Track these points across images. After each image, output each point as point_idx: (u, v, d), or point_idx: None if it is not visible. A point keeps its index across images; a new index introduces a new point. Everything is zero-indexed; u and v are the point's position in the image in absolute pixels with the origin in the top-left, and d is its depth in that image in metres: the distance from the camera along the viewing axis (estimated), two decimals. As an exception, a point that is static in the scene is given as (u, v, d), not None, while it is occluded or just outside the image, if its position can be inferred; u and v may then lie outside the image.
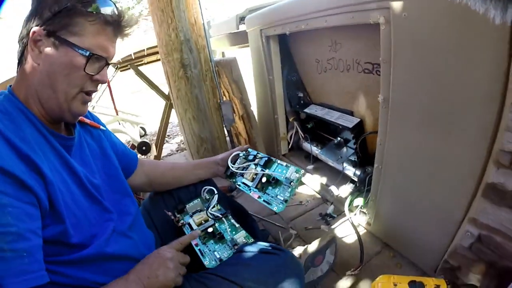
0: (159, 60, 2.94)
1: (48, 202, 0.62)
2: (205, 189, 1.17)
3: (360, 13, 1.12)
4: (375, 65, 1.37)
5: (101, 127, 0.95)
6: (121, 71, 2.95)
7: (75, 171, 0.73)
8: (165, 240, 1.07)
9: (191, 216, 1.08)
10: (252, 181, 1.07)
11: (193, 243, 0.95)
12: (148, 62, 2.88)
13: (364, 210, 1.44)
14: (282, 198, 0.98)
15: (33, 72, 0.67)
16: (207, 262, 0.91)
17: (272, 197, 1.00)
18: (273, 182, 1.03)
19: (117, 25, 0.72)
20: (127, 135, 3.12)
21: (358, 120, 1.53)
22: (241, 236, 0.99)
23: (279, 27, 1.66)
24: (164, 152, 3.01)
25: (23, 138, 0.62)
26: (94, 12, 0.68)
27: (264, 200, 1.00)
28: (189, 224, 1.06)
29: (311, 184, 1.86)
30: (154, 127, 4.10)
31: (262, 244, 0.89)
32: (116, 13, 0.72)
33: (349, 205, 1.48)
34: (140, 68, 2.76)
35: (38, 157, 0.62)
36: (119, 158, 0.96)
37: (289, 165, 1.06)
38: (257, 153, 1.16)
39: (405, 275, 0.99)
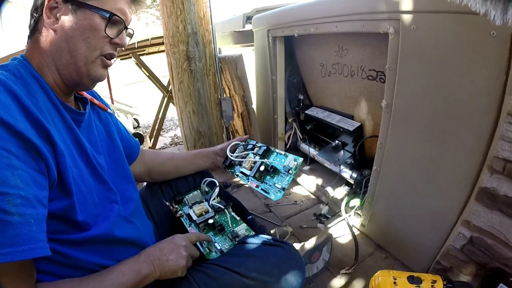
0: (160, 51, 2.97)
1: (57, 172, 0.60)
2: (206, 181, 1.18)
3: (371, 22, 1.16)
4: (379, 72, 1.40)
5: (109, 110, 0.94)
6: (121, 59, 2.93)
7: (83, 146, 0.71)
8: (161, 230, 1.06)
9: (191, 207, 1.07)
10: (250, 170, 1.07)
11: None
12: (149, 53, 2.87)
13: (359, 212, 1.48)
14: (280, 186, 0.98)
15: (49, 40, 0.66)
16: (207, 252, 0.90)
17: (270, 185, 1.00)
18: (272, 171, 1.03)
19: None
20: (121, 125, 3.08)
21: (359, 124, 1.57)
22: (242, 228, 1.00)
23: (288, 28, 1.68)
24: (158, 146, 3.00)
25: (36, 105, 0.60)
26: None
27: (262, 189, 1.01)
28: (188, 215, 1.05)
29: (306, 184, 1.89)
30: (147, 120, 4.08)
31: (264, 237, 0.89)
32: None
33: (345, 206, 1.51)
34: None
35: (49, 125, 0.59)
36: (123, 144, 0.95)
37: (288, 154, 1.06)
38: (256, 143, 1.17)
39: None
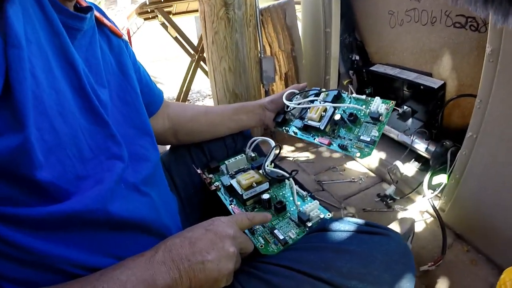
0: (190, 11, 2.69)
1: (2, 80, 0.32)
2: (255, 140, 0.85)
3: None
4: (469, 18, 1.10)
5: (124, 37, 0.64)
6: (144, 19, 2.66)
7: (72, 63, 0.43)
8: (188, 210, 0.78)
9: (233, 177, 0.75)
10: (319, 122, 0.76)
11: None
12: (176, 13, 2.59)
13: (438, 194, 1.17)
14: (367, 139, 0.67)
15: None
16: (262, 245, 0.59)
17: (351, 140, 0.70)
18: (351, 120, 0.72)
19: None
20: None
21: (442, 82, 1.24)
22: (313, 208, 0.64)
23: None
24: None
25: None
26: None
27: (339, 145, 0.71)
28: (229, 187, 0.73)
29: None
30: (171, 93, 3.89)
31: (354, 220, 0.58)
32: None
33: (428, 183, 1.19)
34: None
35: (13, 10, 0.33)
36: (141, 88, 0.66)
37: (370, 98, 0.75)
38: (320, 89, 0.85)
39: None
